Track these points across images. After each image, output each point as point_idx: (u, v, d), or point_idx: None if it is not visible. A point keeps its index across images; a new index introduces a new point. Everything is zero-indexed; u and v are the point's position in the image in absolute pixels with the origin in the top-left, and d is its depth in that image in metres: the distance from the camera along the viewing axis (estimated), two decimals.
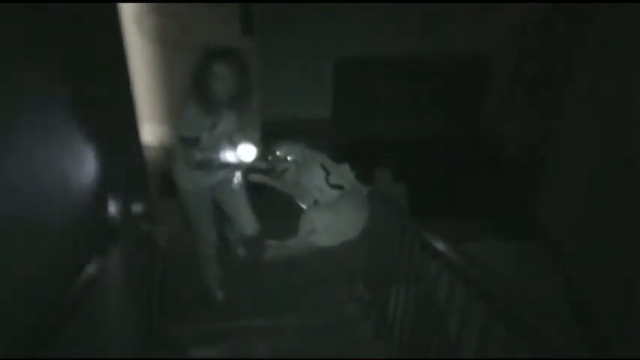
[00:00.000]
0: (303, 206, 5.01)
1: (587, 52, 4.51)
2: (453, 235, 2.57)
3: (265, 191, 5.14)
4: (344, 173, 5.09)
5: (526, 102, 5.84)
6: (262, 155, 4.66)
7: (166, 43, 5.08)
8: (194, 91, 3.20)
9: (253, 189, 4.12)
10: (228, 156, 3.49)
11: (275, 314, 3.91)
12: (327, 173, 5.01)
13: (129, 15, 4.80)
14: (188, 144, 3.28)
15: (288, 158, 5.15)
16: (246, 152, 3.44)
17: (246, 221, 3.91)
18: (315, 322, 3.89)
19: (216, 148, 3.45)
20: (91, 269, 2.43)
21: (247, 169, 3.87)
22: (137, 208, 3.24)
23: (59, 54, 2.28)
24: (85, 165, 2.67)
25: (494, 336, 1.97)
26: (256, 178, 4.98)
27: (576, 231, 4.45)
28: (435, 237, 2.66)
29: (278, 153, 5.16)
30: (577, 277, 4.31)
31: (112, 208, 3.03)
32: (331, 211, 4.77)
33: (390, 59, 6.26)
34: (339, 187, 4.95)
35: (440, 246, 2.57)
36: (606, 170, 4.07)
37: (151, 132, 5.64)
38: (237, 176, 3.76)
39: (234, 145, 3.54)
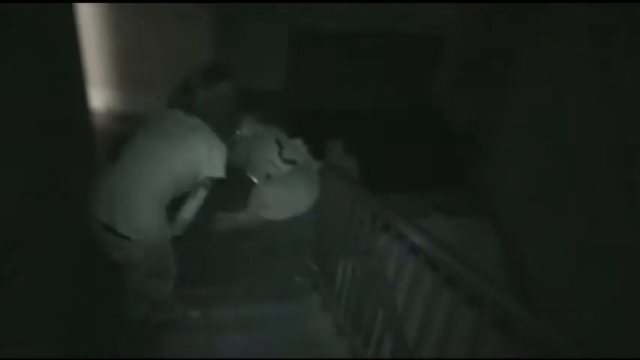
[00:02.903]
0: (255, 180, 5.00)
1: (535, 36, 4.64)
2: (400, 210, 2.63)
3: None
4: (297, 147, 5.10)
5: (475, 81, 5.97)
6: None
7: (116, 8, 4.98)
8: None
9: None
10: None
11: (224, 283, 3.93)
12: (281, 148, 5.00)
13: None
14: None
15: (237, 132, 5.10)
16: None
17: None
18: (264, 292, 3.93)
19: None
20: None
21: None
22: (85, 174, 3.17)
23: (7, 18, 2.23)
24: (31, 131, 2.61)
25: (443, 304, 2.04)
26: None
27: (520, 206, 4.60)
28: (386, 209, 2.71)
29: None
30: (518, 250, 4.46)
31: (60, 175, 2.97)
32: (283, 186, 4.78)
33: (344, 33, 6.26)
34: (291, 161, 4.95)
35: (390, 217, 2.63)
36: (550, 149, 4.22)
37: (100, 97, 5.53)
38: None
39: None
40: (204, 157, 2.75)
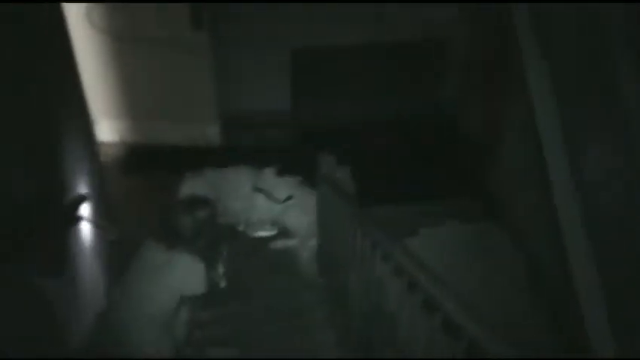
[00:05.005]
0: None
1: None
2: (412, 219, 2.57)
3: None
4: (287, 183, 5.15)
5: (482, 86, 5.89)
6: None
7: (117, 36, 5.04)
8: None
9: None
10: None
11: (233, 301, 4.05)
12: (266, 194, 5.05)
13: (77, 8, 4.76)
14: None
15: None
16: None
17: None
18: (274, 309, 3.98)
19: None
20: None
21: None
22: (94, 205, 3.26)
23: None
24: (39, 168, 2.66)
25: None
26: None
27: (532, 210, 4.52)
28: (373, 229, 2.71)
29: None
30: (535, 256, 4.38)
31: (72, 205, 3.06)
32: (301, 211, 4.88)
33: (345, 47, 6.24)
34: (289, 198, 5.00)
35: (378, 237, 2.63)
36: None
37: (108, 128, 5.59)
38: None
39: None
40: (181, 284, 3.88)
